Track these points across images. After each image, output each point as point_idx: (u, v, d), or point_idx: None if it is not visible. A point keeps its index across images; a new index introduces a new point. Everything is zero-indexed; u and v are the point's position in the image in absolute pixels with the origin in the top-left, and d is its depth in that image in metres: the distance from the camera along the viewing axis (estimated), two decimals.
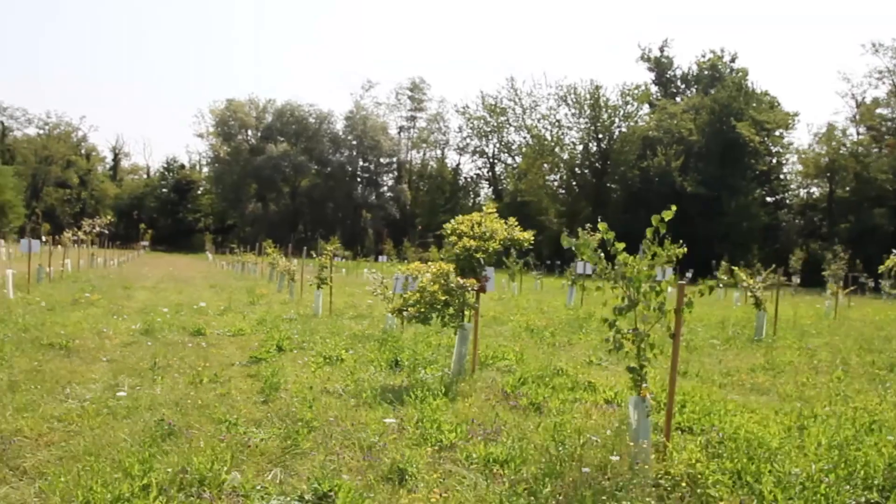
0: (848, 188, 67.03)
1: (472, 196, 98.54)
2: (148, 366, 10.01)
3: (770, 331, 16.83)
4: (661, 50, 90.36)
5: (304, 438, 6.66)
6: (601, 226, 6.59)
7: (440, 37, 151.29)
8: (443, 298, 9.21)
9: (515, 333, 15.41)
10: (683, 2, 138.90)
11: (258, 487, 5.45)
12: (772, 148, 70.88)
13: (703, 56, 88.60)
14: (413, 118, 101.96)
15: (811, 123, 74.78)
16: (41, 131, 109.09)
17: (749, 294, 16.91)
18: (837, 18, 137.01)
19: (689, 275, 39.37)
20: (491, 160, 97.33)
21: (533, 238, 10.10)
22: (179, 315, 16.41)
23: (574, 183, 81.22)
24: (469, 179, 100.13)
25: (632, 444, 6.11)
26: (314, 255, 22.73)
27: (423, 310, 9.12)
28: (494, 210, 10.34)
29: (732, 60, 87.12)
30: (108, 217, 39.67)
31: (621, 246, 6.37)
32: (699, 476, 5.70)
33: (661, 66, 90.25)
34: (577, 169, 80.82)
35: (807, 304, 29.54)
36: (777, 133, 71.70)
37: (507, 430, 7.12)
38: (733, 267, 21.38)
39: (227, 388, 8.83)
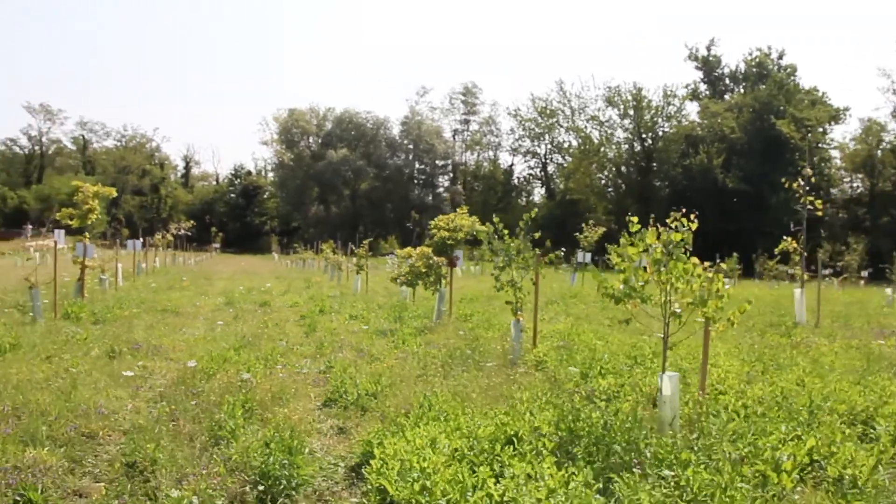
0: (889, 182, 69.17)
1: (524, 195, 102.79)
2: (231, 318, 15.10)
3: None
4: (709, 49, 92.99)
5: (325, 349, 11.54)
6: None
7: (490, 41, 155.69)
8: (424, 270, 14.01)
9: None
10: (731, 1, 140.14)
11: (296, 366, 10.32)
12: (813, 144, 73.25)
13: (751, 54, 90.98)
14: (466, 121, 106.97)
15: (863, 118, 76.37)
16: (118, 143, 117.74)
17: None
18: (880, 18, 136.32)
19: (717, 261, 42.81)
20: (543, 160, 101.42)
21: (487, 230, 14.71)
22: (251, 294, 21.63)
23: (620, 181, 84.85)
24: (522, 179, 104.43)
25: (514, 344, 10.81)
26: (370, 252, 27.70)
27: (410, 278, 13.93)
28: (465, 211, 15.07)
29: (780, 57, 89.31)
30: (190, 222, 45.61)
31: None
32: (545, 359, 10.35)
33: (708, 65, 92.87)
34: (623, 168, 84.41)
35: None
36: (820, 129, 74.04)
37: (449, 344, 11.86)
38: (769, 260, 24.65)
39: (282, 329, 13.82)
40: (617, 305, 6.99)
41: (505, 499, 4.77)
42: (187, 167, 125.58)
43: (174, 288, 23.03)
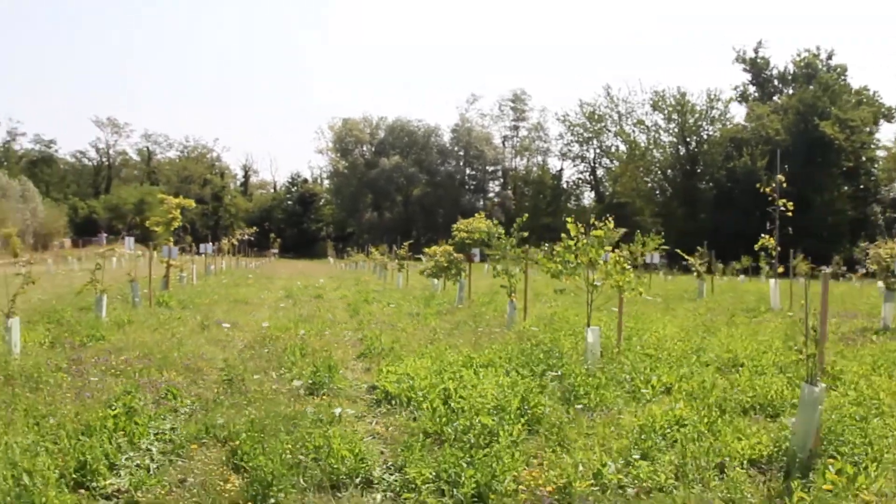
0: None
1: (573, 199, 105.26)
2: (291, 305, 18.62)
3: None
4: (756, 51, 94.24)
5: (364, 324, 14.91)
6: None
7: (539, 47, 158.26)
8: (446, 265, 17.29)
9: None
10: (779, 2, 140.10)
11: (340, 334, 13.69)
12: (857, 145, 74.25)
13: (799, 55, 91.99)
14: (516, 127, 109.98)
15: None
16: (181, 154, 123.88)
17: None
18: None
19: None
20: (592, 164, 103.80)
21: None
22: (307, 289, 25.25)
23: (666, 184, 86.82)
24: (571, 183, 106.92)
25: (508, 318, 14.01)
26: (410, 253, 31.07)
27: (434, 271, 17.24)
28: (482, 215, 18.30)
29: (829, 57, 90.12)
30: (252, 228, 49.76)
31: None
32: (532, 330, 13.53)
33: (756, 67, 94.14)
34: (668, 171, 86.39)
35: None
36: (866, 129, 75.05)
37: (459, 320, 15.10)
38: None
39: (332, 312, 17.28)
40: (553, 279, 10.19)
41: (455, 389, 8.02)
42: (246, 176, 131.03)
43: (241, 285, 26.79)
